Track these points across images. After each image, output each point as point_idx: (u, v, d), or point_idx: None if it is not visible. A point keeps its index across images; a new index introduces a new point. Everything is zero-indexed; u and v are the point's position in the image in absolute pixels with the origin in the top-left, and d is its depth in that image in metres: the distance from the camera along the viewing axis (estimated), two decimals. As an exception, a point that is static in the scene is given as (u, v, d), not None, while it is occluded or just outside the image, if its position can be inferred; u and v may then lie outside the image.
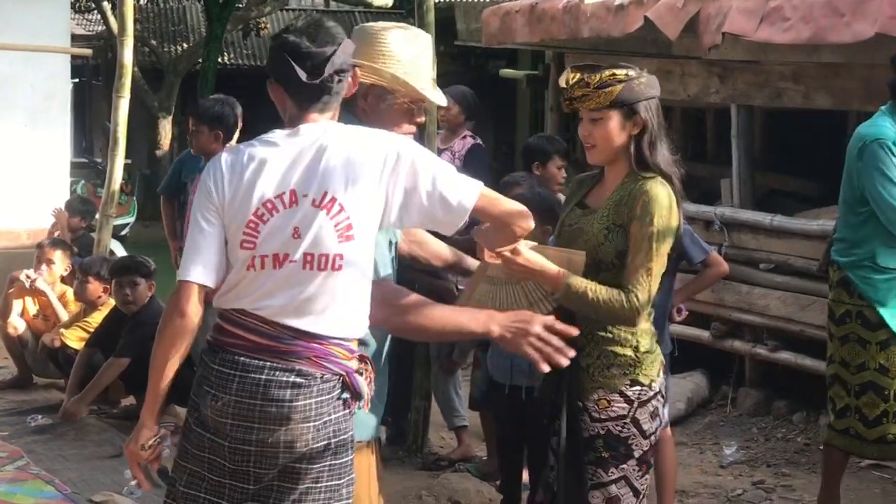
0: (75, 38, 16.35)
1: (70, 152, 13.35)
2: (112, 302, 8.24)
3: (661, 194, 4.19)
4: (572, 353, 3.70)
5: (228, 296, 3.49)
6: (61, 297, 9.07)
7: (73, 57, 14.68)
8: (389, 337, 4.01)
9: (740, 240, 8.69)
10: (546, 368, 3.67)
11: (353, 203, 3.42)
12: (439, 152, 7.76)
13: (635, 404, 4.25)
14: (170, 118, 23.45)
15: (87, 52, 14.95)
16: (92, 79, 26.64)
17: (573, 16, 9.26)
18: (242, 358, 3.42)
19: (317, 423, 3.42)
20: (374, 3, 24.07)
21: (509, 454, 6.48)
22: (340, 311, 3.46)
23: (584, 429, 4.24)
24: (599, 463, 4.26)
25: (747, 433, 8.36)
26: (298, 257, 3.41)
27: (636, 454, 4.29)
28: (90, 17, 27.04)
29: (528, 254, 4.03)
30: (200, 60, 22.19)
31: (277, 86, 3.53)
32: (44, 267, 9.17)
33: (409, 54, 3.95)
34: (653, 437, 4.34)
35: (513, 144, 19.86)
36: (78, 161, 18.13)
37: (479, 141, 9.10)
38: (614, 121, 4.28)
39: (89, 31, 26.34)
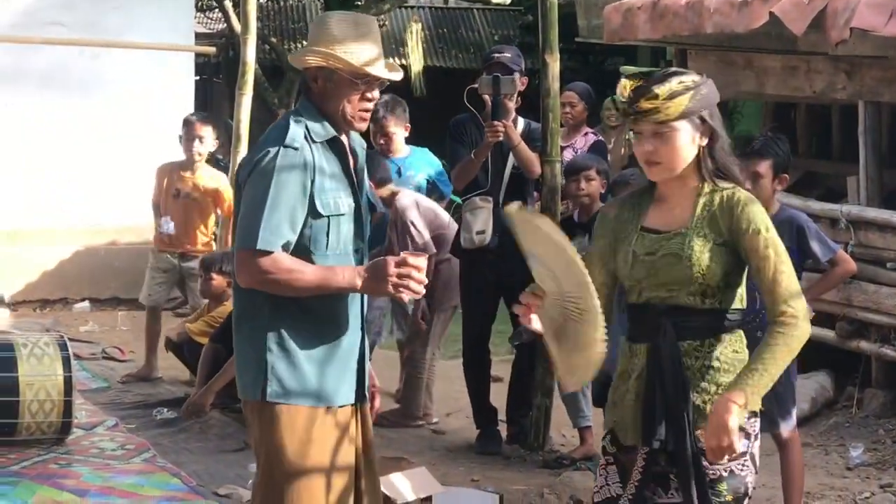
0: (197, 37, 16.51)
1: (193, 149, 13.50)
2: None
3: (752, 198, 3.95)
4: (426, 281, 4.02)
5: None
6: None
7: (195, 55, 14.83)
8: (363, 297, 4.29)
9: (867, 238, 8.53)
10: (406, 299, 4.07)
11: None
12: (561, 149, 7.74)
13: (752, 438, 3.95)
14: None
15: (211, 50, 15.14)
16: (212, 76, 26.96)
17: (696, 12, 9.15)
18: None
19: None
20: (493, 0, 24.08)
21: None
22: None
23: (705, 473, 3.87)
24: None
25: (874, 435, 8.20)
26: None
27: (749, 492, 3.98)
28: (211, 15, 27.36)
29: (733, 433, 3.73)
30: (320, 58, 22.34)
31: None
32: (196, 142, 9.40)
33: (349, 35, 4.17)
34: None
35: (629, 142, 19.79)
36: (200, 158, 18.32)
37: (600, 137, 9.09)
38: (685, 133, 3.94)
39: (210, 29, 26.64)
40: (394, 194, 7.90)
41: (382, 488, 4.38)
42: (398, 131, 8.34)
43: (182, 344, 8.56)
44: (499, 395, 7.87)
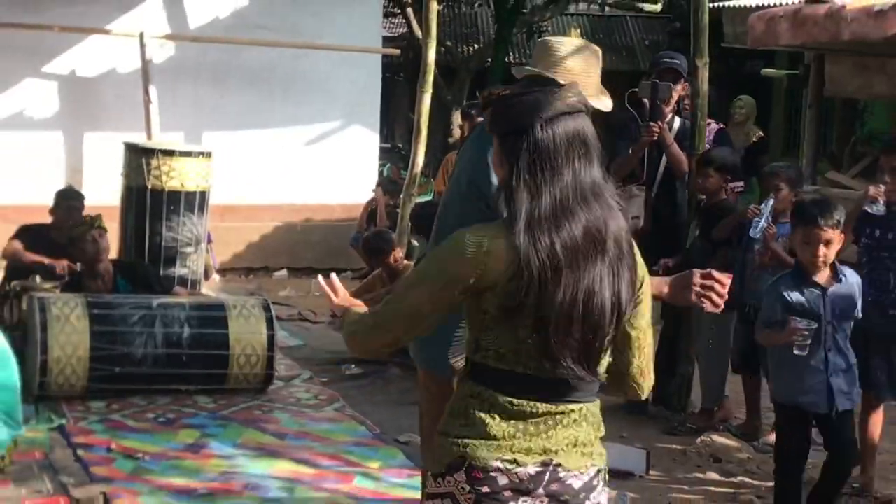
0: (382, 40, 16.71)
1: (378, 139, 13.67)
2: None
3: (451, 239, 2.90)
4: (726, 297, 3.53)
5: None
6: None
7: (382, 56, 15.00)
8: None
9: None
10: (712, 309, 3.53)
11: None
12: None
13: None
14: (460, 110, 23.74)
15: (397, 52, 15.28)
16: (394, 75, 27.18)
17: (834, 20, 9.00)
18: None
19: None
20: (645, 7, 23.86)
21: (789, 470, 5.56)
22: None
23: None
24: None
25: None
26: None
27: None
28: (394, 20, 27.57)
29: None
30: (489, 59, 22.37)
31: None
32: None
33: (577, 65, 4.00)
34: None
35: (766, 138, 19.56)
36: (383, 146, 18.51)
37: (721, 125, 8.91)
38: (494, 152, 2.98)
39: (392, 33, 26.85)
40: None
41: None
42: None
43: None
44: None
